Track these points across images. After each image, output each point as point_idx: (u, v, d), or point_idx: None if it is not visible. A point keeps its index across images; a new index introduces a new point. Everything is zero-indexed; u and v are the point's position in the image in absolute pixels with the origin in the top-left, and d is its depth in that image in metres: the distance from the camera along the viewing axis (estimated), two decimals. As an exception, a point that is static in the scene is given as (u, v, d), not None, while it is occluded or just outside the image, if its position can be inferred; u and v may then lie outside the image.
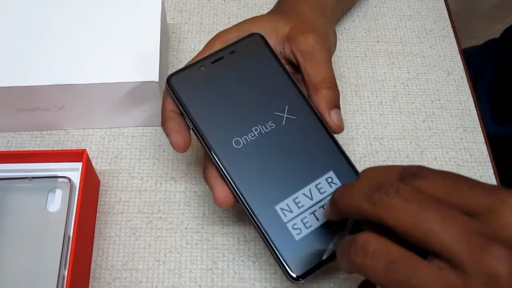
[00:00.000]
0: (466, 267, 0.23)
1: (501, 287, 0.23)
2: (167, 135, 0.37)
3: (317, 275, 0.39)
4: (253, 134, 0.36)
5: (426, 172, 0.27)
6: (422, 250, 0.25)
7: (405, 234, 0.25)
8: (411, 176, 0.27)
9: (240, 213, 0.43)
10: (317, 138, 0.37)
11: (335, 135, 0.37)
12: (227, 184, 0.35)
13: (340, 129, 0.37)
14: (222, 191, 0.35)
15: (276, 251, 0.35)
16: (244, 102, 0.37)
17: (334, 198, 0.30)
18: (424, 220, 0.24)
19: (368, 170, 0.30)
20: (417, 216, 0.24)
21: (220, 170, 0.35)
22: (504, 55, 0.69)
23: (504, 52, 0.70)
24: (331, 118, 0.37)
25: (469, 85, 0.51)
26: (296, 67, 0.40)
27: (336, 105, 0.38)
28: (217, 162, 0.35)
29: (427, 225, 0.24)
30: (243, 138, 0.36)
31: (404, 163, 0.46)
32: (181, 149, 0.37)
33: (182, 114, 0.37)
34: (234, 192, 0.35)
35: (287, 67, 0.39)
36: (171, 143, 0.37)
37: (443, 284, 0.23)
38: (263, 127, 0.37)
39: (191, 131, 0.37)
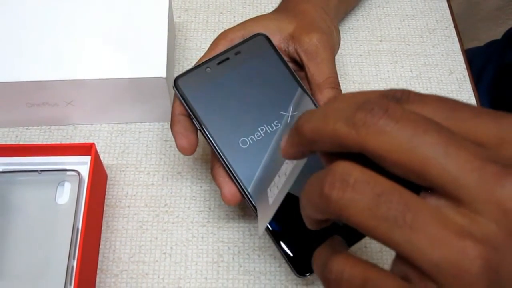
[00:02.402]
0: (475, 202, 0.18)
1: None
2: (174, 138, 0.38)
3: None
4: (259, 134, 0.37)
5: (415, 96, 0.21)
6: (413, 188, 0.20)
7: (396, 164, 0.19)
8: (396, 100, 0.21)
9: (245, 207, 0.44)
10: None
11: None
12: (234, 183, 0.36)
13: None
14: (229, 189, 0.37)
15: (283, 247, 0.35)
16: (250, 103, 0.38)
17: (298, 125, 0.23)
18: (423, 146, 0.19)
19: (339, 95, 0.23)
20: (413, 141, 0.19)
21: (227, 169, 0.36)
22: (505, 56, 0.70)
23: (505, 53, 0.70)
24: None
25: (471, 84, 0.52)
26: (300, 65, 0.40)
27: None
28: (224, 162, 0.36)
29: (427, 152, 0.19)
30: (249, 138, 0.37)
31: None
32: (186, 152, 0.38)
33: (189, 116, 0.38)
34: (241, 190, 0.36)
35: (290, 65, 0.40)
36: (177, 146, 0.38)
37: (445, 224, 0.18)
38: (268, 126, 0.37)
39: (198, 132, 0.38)
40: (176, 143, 0.38)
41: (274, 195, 0.30)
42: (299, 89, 0.39)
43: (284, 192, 0.28)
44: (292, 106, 0.38)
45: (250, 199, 0.36)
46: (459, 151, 0.19)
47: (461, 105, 0.21)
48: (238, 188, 0.36)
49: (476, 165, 0.18)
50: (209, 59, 0.38)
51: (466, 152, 0.18)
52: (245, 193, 0.36)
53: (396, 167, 0.19)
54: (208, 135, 0.37)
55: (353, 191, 0.19)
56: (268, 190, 0.32)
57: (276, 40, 0.40)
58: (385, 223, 0.19)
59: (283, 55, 0.40)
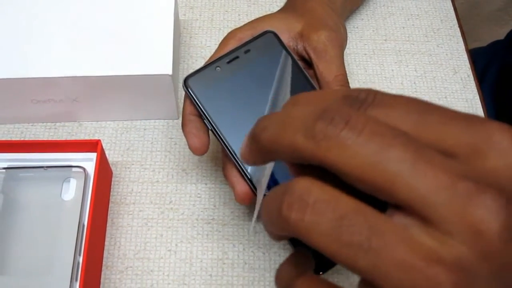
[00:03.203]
0: (445, 222, 0.17)
1: (488, 249, 0.16)
2: (186, 138, 0.38)
3: (338, 269, 0.40)
4: None
5: (382, 98, 0.19)
6: (377, 203, 0.18)
7: (360, 181, 0.18)
8: (360, 103, 0.19)
9: (250, 205, 0.44)
10: None
11: None
12: (247, 182, 0.36)
13: None
14: (242, 188, 0.37)
15: (297, 244, 0.36)
16: (261, 101, 0.38)
17: (255, 133, 0.21)
18: (388, 161, 0.17)
19: (298, 96, 0.22)
20: (378, 156, 0.17)
21: (240, 169, 0.36)
22: (508, 56, 0.70)
23: (508, 53, 0.71)
24: None
25: (475, 83, 0.52)
26: (309, 63, 0.40)
27: None
28: (237, 161, 0.36)
29: (392, 168, 0.17)
30: None
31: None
32: (198, 152, 0.38)
33: (200, 115, 0.38)
34: (254, 190, 0.36)
35: (300, 63, 0.40)
36: (189, 146, 0.38)
37: (413, 248, 0.17)
38: None
39: (210, 132, 0.38)
40: (188, 143, 0.38)
41: (262, 191, 0.30)
42: (309, 87, 0.38)
43: (262, 188, 0.27)
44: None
45: None
46: (428, 166, 0.17)
47: (431, 108, 0.19)
48: (250, 188, 0.37)
49: (446, 183, 0.17)
50: (218, 58, 0.38)
51: (435, 168, 0.17)
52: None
53: (359, 183, 0.18)
54: (220, 134, 0.37)
55: (313, 213, 0.18)
56: (257, 184, 0.32)
57: (285, 39, 0.40)
58: (348, 248, 0.17)
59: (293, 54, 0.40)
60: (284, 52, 0.38)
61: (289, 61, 0.38)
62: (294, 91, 0.38)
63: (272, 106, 0.37)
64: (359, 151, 0.17)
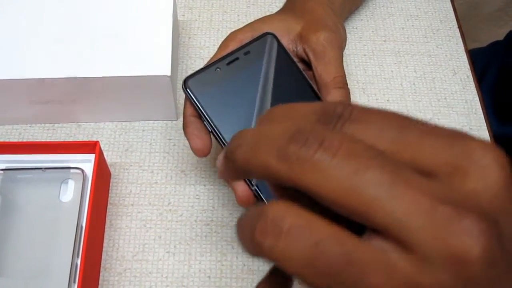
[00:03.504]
0: (423, 248, 0.16)
1: (470, 275, 0.16)
2: (188, 140, 0.38)
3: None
4: None
5: (358, 113, 0.19)
6: (355, 225, 0.17)
7: (335, 204, 0.17)
8: (336, 119, 0.19)
9: (250, 206, 0.44)
10: None
11: None
12: (248, 184, 0.36)
13: None
14: (243, 191, 0.36)
15: None
16: (261, 102, 0.38)
17: (229, 151, 0.20)
18: (365, 185, 0.16)
19: (274, 109, 0.21)
20: (353, 179, 0.17)
21: None
22: (507, 57, 0.70)
23: (508, 54, 0.71)
24: None
25: (475, 84, 0.52)
26: (309, 65, 0.40)
27: None
28: None
29: (369, 192, 0.16)
30: None
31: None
32: (201, 154, 0.38)
33: (200, 117, 0.38)
34: (255, 192, 0.36)
35: (299, 64, 0.40)
36: (191, 148, 0.38)
37: (390, 274, 0.16)
38: None
39: (210, 134, 0.38)
40: (190, 145, 0.38)
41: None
42: (309, 88, 0.38)
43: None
44: None
45: (264, 201, 0.36)
46: (406, 190, 0.16)
47: (410, 124, 0.18)
48: (251, 189, 0.36)
49: (425, 206, 0.16)
50: (218, 59, 0.38)
51: (414, 191, 0.16)
52: (259, 195, 0.36)
53: (335, 207, 0.17)
54: (220, 136, 0.36)
55: (287, 239, 0.17)
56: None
57: (284, 41, 0.40)
58: (325, 276, 0.17)
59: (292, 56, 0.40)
60: (267, 57, 0.38)
61: (272, 68, 0.38)
62: (294, 94, 0.38)
63: (258, 111, 0.37)
64: (334, 173, 0.17)
